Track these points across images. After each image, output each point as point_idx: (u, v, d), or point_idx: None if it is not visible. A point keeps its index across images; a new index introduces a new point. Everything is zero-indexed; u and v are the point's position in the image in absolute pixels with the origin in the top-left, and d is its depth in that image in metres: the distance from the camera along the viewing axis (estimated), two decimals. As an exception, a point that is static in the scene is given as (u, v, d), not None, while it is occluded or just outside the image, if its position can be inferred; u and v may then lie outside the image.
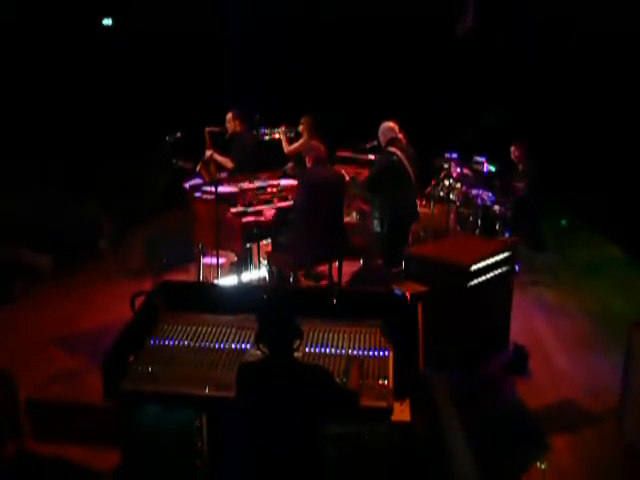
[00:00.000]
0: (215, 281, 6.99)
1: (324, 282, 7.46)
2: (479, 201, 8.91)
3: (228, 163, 8.12)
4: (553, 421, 5.43)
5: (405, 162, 7.44)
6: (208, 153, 8.14)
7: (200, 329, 4.33)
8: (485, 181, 9.25)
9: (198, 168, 7.98)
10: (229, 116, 8.30)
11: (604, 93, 11.54)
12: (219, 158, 8.14)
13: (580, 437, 5.23)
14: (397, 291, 4.45)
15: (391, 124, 7.60)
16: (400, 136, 7.66)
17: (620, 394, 5.34)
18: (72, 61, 11.75)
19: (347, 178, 7.71)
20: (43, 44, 11.29)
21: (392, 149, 7.46)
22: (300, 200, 6.69)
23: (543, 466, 4.71)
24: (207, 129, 8.36)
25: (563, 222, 10.72)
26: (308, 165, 6.84)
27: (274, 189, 7.49)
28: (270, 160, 8.53)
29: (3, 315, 7.32)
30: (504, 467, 4.82)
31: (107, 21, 12.50)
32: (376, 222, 7.63)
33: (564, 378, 6.07)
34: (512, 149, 9.09)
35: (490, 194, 8.95)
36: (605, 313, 7.39)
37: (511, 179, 9.05)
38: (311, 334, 4.18)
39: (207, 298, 4.60)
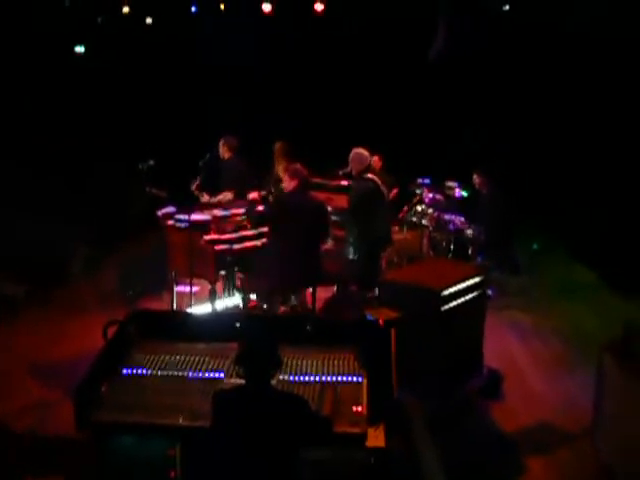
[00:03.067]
0: (189, 309, 6.97)
1: (298, 309, 7.45)
2: (451, 226, 8.99)
3: (228, 196, 8.16)
4: (528, 443, 5.47)
5: (381, 188, 7.51)
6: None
7: (173, 358, 4.30)
8: (457, 206, 9.35)
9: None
10: (221, 143, 8.40)
11: (579, 116, 11.66)
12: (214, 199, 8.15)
13: (555, 458, 5.27)
14: (370, 317, 4.47)
15: (364, 151, 7.65)
16: (376, 159, 7.73)
17: (593, 414, 5.39)
18: (44, 89, 11.74)
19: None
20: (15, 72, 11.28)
21: (368, 175, 7.51)
22: (276, 225, 6.68)
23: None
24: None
25: (534, 246, 10.82)
26: (290, 188, 6.78)
27: (240, 216, 7.48)
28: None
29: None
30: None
31: (80, 48, 12.49)
32: (351, 248, 7.66)
33: (538, 400, 6.12)
34: (474, 177, 9.23)
35: (462, 219, 9.04)
36: (578, 334, 7.46)
37: (480, 205, 9.17)
38: (285, 361, 4.17)
39: (181, 326, 4.58)
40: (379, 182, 7.53)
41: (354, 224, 7.69)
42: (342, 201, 8.03)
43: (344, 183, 8.66)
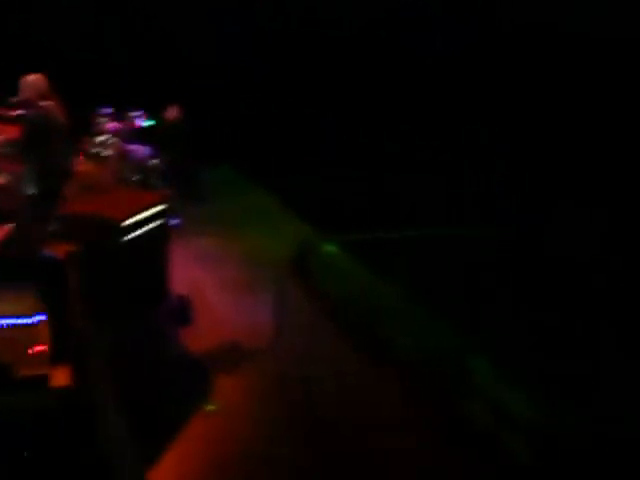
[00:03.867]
0: None
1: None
2: (135, 156, 8.82)
3: None
4: (218, 363, 5.66)
5: (58, 118, 7.06)
6: None
7: None
8: (141, 136, 9.18)
9: None
10: None
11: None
12: None
13: (242, 374, 5.52)
14: (46, 253, 4.27)
15: (39, 77, 7.11)
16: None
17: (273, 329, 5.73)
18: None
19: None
20: None
21: (43, 104, 7.01)
22: None
23: (211, 407, 4.90)
24: None
25: (223, 174, 11.06)
26: None
27: None
28: None
29: None
30: (170, 416, 4.89)
31: None
32: (28, 183, 7.16)
33: (225, 322, 6.34)
34: (168, 110, 9.15)
35: (146, 149, 8.91)
36: (259, 257, 7.81)
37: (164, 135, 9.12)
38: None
39: None
40: (55, 112, 7.07)
41: (30, 157, 7.19)
42: (15, 132, 7.46)
43: (18, 113, 8.03)
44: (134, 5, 12.28)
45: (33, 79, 7.10)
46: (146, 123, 9.28)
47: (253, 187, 10.78)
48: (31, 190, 7.17)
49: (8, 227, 7.57)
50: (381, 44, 13.21)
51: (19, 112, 7.86)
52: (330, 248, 6.98)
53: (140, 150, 8.89)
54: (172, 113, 9.16)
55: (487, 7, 12.76)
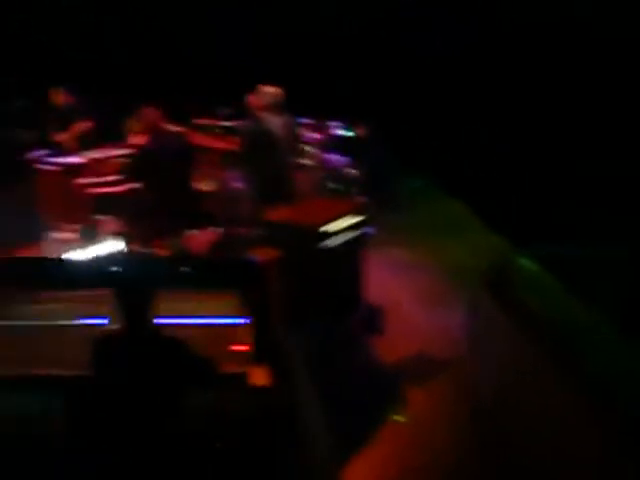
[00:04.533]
0: (62, 256, 6.73)
1: (179, 252, 7.33)
2: (332, 165, 9.04)
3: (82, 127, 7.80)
4: (409, 376, 5.64)
5: (277, 129, 7.20)
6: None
7: (51, 307, 4.16)
8: (338, 145, 9.40)
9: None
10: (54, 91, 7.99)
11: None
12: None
13: (434, 388, 5.47)
14: (250, 258, 4.46)
15: (276, 89, 7.31)
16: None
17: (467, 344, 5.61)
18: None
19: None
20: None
21: (262, 114, 7.20)
22: (143, 170, 6.49)
23: (400, 419, 4.89)
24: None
25: (417, 184, 11.05)
26: (144, 134, 6.57)
27: (124, 159, 7.25)
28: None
29: None
30: (360, 423, 4.94)
31: None
32: (247, 191, 7.43)
33: (416, 333, 6.31)
34: (359, 124, 9.29)
35: (343, 158, 9.10)
36: (454, 268, 7.71)
37: (364, 143, 9.26)
38: (165, 305, 4.11)
39: (57, 274, 4.41)
40: (274, 121, 7.25)
41: (248, 166, 7.43)
42: (228, 142, 7.86)
43: (228, 124, 8.50)
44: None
45: (270, 91, 7.31)
46: (344, 133, 9.49)
47: (445, 196, 10.66)
48: (247, 197, 7.50)
49: (216, 231, 8.04)
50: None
51: (236, 123, 8.29)
52: (527, 261, 6.74)
53: (338, 160, 9.10)
54: (360, 126, 9.27)
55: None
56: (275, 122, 7.16)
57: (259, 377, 3.76)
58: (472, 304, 5.52)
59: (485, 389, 5.17)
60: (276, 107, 7.15)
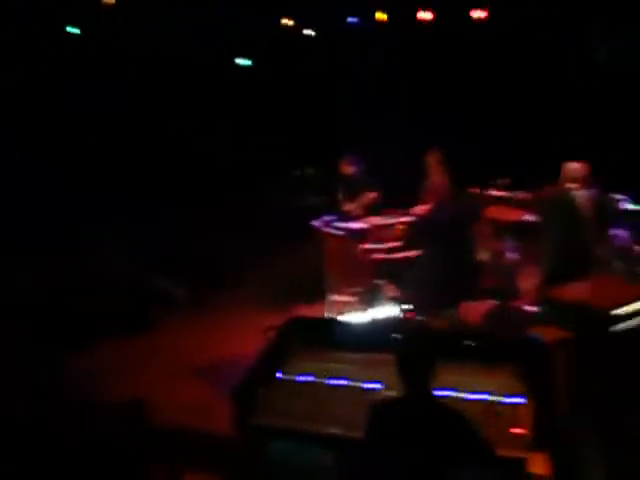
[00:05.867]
0: (344, 318, 6.96)
1: (455, 323, 7.26)
2: (618, 242, 8.49)
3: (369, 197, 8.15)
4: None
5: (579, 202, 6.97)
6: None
7: (330, 366, 4.30)
8: (625, 220, 8.83)
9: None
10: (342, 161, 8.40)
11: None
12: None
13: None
14: (534, 336, 4.26)
15: (581, 165, 7.13)
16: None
17: None
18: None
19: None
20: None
21: (567, 186, 7.01)
22: (423, 239, 6.55)
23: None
24: None
25: None
26: (431, 204, 6.66)
27: (404, 226, 7.41)
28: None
29: (139, 343, 7.59)
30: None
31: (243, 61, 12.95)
32: (544, 265, 7.19)
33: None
34: None
35: (629, 234, 8.51)
36: None
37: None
38: (443, 377, 4.05)
39: (338, 335, 4.57)
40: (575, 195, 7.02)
41: (547, 238, 7.16)
42: (510, 213, 7.74)
43: (500, 194, 8.38)
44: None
45: (575, 166, 7.13)
46: (632, 207, 8.91)
47: None
48: (530, 271, 7.25)
49: (493, 303, 7.87)
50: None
51: (501, 193, 8.16)
52: None
53: (623, 235, 8.54)
54: None
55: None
56: (580, 195, 6.93)
57: (539, 465, 3.54)
58: None
59: None
60: (582, 180, 6.93)
